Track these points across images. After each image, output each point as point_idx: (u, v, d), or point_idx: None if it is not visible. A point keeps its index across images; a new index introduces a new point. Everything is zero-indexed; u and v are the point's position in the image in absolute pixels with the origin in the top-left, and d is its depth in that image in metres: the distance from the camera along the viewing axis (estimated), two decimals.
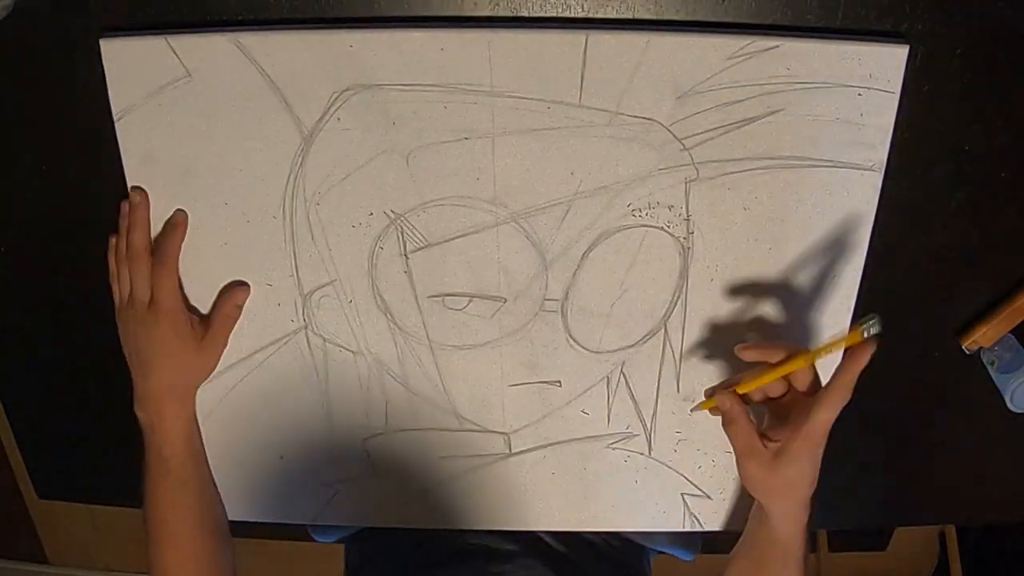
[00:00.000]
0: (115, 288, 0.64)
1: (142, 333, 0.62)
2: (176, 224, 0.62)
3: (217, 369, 0.68)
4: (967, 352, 0.68)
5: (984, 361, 0.69)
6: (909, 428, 0.74)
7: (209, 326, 0.64)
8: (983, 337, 0.67)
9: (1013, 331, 0.67)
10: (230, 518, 0.75)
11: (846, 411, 0.69)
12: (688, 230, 0.61)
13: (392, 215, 0.61)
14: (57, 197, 0.65)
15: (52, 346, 0.73)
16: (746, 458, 0.58)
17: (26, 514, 1.85)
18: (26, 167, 0.64)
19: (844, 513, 0.78)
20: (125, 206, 0.62)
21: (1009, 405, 0.67)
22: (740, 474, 0.60)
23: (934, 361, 0.70)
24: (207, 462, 0.69)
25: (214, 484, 0.70)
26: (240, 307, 0.65)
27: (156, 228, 0.63)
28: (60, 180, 0.64)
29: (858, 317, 0.64)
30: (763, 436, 0.58)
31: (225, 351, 0.67)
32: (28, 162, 0.64)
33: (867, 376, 0.69)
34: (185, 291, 0.65)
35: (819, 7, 0.56)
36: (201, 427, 0.69)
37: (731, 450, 0.69)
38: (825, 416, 0.54)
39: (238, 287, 0.64)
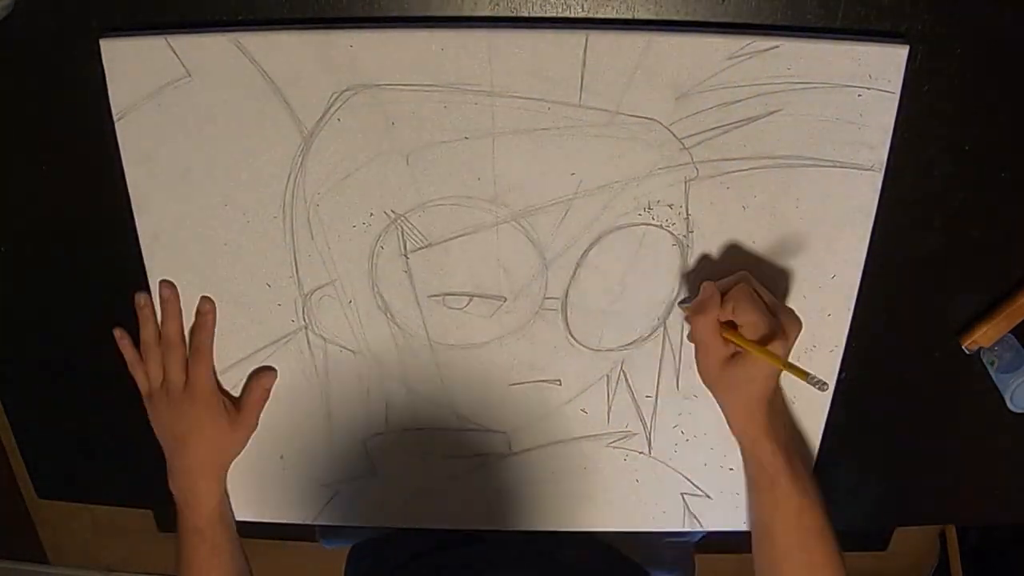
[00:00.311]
0: (140, 375, 0.67)
1: (177, 415, 0.66)
2: (206, 313, 0.65)
3: (218, 369, 0.68)
4: (967, 352, 0.68)
5: (984, 361, 0.69)
6: (909, 428, 0.74)
7: (241, 407, 0.68)
8: (983, 337, 0.67)
9: (1013, 331, 0.67)
10: None
11: (847, 411, 0.70)
12: (688, 229, 0.61)
13: (392, 215, 0.61)
14: (57, 197, 0.65)
15: (52, 346, 0.73)
16: (703, 352, 0.61)
17: (26, 514, 1.85)
18: (26, 167, 0.64)
19: (844, 513, 0.78)
20: (140, 298, 0.65)
21: (1009, 405, 0.67)
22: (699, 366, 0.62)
23: (934, 361, 0.70)
24: (236, 526, 0.72)
25: (240, 543, 0.73)
26: (268, 390, 0.68)
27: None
28: (60, 180, 0.64)
29: (858, 318, 0.64)
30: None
31: (225, 351, 0.67)
32: (28, 162, 0.64)
33: (867, 376, 0.69)
34: (185, 292, 0.65)
35: (819, 7, 0.56)
36: None
37: (731, 449, 0.70)
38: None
39: (265, 372, 0.68)
